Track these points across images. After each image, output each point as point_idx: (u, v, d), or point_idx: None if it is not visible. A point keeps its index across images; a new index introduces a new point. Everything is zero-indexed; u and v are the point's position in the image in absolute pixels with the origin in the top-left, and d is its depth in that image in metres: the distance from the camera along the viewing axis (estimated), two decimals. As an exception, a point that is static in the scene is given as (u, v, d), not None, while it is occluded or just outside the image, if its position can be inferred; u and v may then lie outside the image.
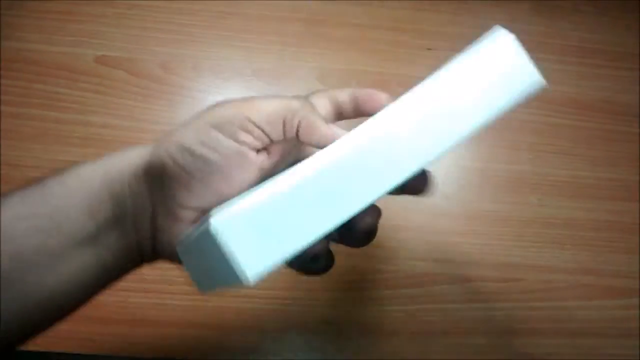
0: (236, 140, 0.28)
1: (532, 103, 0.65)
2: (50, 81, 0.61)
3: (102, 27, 0.64)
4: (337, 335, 0.54)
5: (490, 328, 0.56)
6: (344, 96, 0.32)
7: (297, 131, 0.29)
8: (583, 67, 0.68)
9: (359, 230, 0.29)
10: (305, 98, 0.31)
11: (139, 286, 0.54)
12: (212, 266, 0.26)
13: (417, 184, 0.31)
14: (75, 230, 0.29)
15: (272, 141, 0.29)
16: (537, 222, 0.60)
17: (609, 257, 0.60)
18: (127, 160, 0.30)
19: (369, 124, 0.28)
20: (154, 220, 0.30)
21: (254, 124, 0.28)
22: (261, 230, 0.25)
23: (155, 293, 0.54)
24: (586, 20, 0.71)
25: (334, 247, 0.31)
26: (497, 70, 0.29)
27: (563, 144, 0.64)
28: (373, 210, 0.29)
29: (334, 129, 0.29)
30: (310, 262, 0.28)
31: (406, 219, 0.58)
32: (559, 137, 0.65)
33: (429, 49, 0.67)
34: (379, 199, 0.28)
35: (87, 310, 0.55)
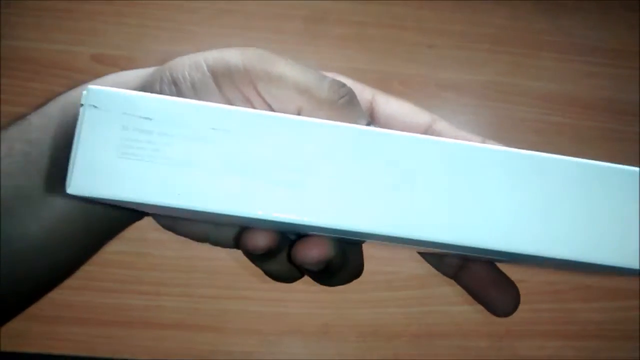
0: (229, 104, 0.22)
1: (534, 102, 0.65)
2: (48, 80, 0.60)
3: (99, 25, 0.63)
4: (336, 338, 0.54)
5: (492, 330, 0.56)
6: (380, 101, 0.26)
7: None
8: (585, 65, 0.68)
9: (294, 259, 0.23)
10: (336, 85, 0.24)
11: (135, 288, 0.53)
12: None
13: (502, 299, 0.25)
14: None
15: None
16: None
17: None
18: (120, 82, 0.26)
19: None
20: None
21: (262, 98, 0.22)
22: (129, 142, 0.19)
23: (152, 295, 0.54)
24: (588, 19, 0.70)
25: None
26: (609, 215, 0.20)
27: (563, 142, 0.64)
28: (319, 244, 0.22)
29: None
30: (252, 253, 0.23)
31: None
32: (560, 136, 0.64)
33: (430, 47, 0.66)
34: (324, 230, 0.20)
35: (83, 312, 0.55)
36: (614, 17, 0.71)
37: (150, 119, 0.19)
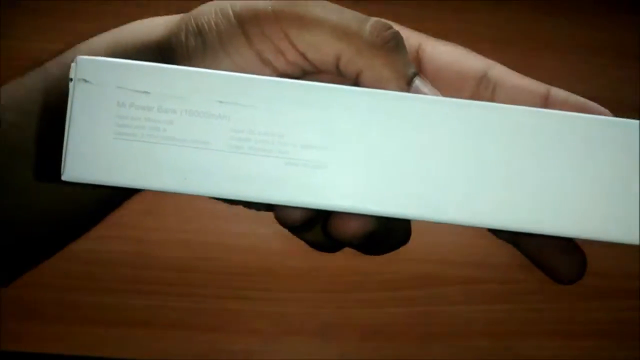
0: (259, 56, 0.20)
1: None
2: (48, 80, 0.60)
3: (99, 25, 0.63)
4: (336, 338, 0.54)
5: (492, 330, 0.56)
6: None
7: (356, 80, 0.20)
8: (586, 65, 0.68)
9: (330, 233, 0.21)
10: (384, 32, 0.21)
11: (136, 287, 0.53)
12: None
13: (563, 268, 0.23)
14: None
15: (316, 70, 0.21)
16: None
17: (611, 257, 0.59)
18: (146, 31, 0.24)
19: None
20: None
21: (295, 47, 0.20)
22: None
23: (152, 295, 0.54)
24: (590, 19, 0.70)
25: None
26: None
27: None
28: (358, 218, 0.20)
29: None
30: (291, 224, 0.21)
31: (407, 219, 0.57)
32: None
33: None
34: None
35: (84, 312, 0.55)
36: (615, 17, 0.71)
37: (148, 93, 0.17)
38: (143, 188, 0.17)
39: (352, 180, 0.17)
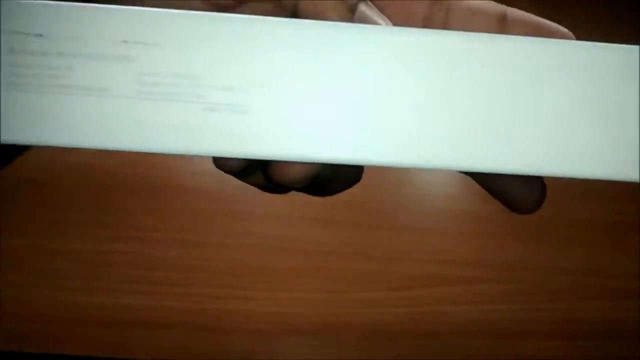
0: None
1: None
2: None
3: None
4: (336, 338, 0.54)
5: (492, 330, 0.56)
6: None
7: (294, 11, 0.18)
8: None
9: (271, 178, 0.19)
10: None
11: (136, 288, 0.53)
12: None
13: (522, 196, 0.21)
14: None
15: None
16: (539, 222, 0.60)
17: (611, 257, 0.59)
18: None
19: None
20: None
21: None
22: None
23: (152, 295, 0.54)
24: (592, 18, 0.70)
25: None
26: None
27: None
28: (295, 164, 0.18)
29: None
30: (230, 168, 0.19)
31: (406, 220, 0.57)
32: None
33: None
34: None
35: (83, 312, 0.55)
36: (615, 16, 0.71)
37: (41, 36, 0.14)
38: (43, 145, 0.15)
39: (280, 125, 0.15)
